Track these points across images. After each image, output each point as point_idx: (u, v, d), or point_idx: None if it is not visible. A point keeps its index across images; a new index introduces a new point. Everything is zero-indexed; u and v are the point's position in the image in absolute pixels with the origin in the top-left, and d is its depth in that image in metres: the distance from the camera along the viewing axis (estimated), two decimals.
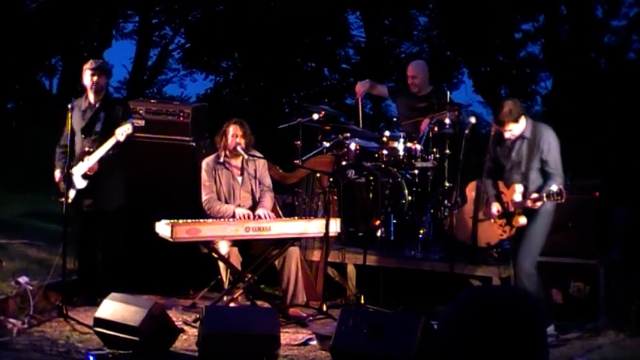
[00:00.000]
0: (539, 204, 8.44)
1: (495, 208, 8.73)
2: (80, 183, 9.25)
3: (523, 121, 8.55)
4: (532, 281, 8.55)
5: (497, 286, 9.13)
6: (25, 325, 8.68)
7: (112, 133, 9.08)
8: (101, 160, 9.20)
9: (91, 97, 9.44)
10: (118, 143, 9.09)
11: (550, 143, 8.55)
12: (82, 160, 9.25)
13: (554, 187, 8.30)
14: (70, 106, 9.21)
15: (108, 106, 9.44)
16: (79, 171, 9.25)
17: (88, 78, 9.42)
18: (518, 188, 8.55)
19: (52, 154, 9.62)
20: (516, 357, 2.93)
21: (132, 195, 9.62)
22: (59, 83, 20.20)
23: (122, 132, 9.03)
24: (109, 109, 9.40)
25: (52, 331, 8.70)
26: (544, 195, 8.36)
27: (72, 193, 9.24)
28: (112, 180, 9.39)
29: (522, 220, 8.56)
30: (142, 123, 9.91)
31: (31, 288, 9.13)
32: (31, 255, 10.23)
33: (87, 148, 9.28)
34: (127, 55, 20.68)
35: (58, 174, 9.37)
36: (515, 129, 8.53)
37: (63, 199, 9.14)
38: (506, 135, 8.58)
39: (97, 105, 9.41)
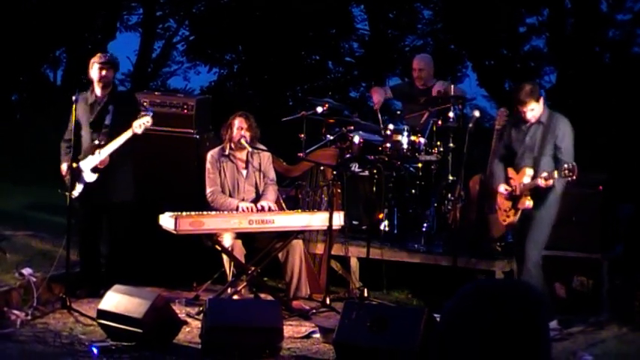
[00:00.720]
0: (550, 182, 8.38)
1: (503, 187, 8.69)
2: (89, 176, 9.24)
3: (542, 103, 8.55)
4: (538, 271, 8.54)
5: (500, 279, 9.13)
6: (29, 317, 8.68)
7: (128, 126, 9.06)
8: (112, 154, 9.19)
9: (98, 90, 9.42)
10: (134, 136, 9.08)
11: (565, 131, 8.55)
12: (92, 154, 9.23)
13: (566, 165, 8.22)
14: (74, 98, 9.19)
15: (116, 100, 9.43)
16: (88, 164, 9.24)
17: (96, 72, 9.40)
18: (528, 172, 8.52)
19: (56, 147, 9.61)
20: (519, 350, 2.93)
21: (135, 187, 9.62)
22: (63, 75, 20.20)
23: (140, 124, 9.02)
24: (118, 103, 9.39)
25: (56, 322, 8.71)
26: (555, 172, 8.30)
27: (79, 187, 9.24)
28: (122, 173, 9.38)
29: (528, 202, 8.51)
30: (151, 110, 9.90)
31: (34, 280, 9.13)
32: (34, 247, 10.24)
33: (97, 142, 9.25)
34: (131, 47, 20.67)
35: (64, 168, 9.35)
36: (536, 109, 8.50)
37: (70, 193, 9.15)
38: (528, 115, 8.52)
39: (104, 98, 9.40)
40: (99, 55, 9.55)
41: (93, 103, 9.42)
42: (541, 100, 8.54)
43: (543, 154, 8.54)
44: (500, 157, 8.87)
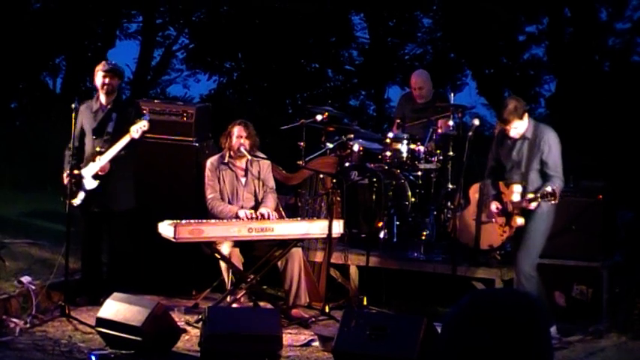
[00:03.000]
0: (534, 204, 8.44)
1: (494, 205, 8.73)
2: (90, 184, 9.24)
3: (526, 119, 8.56)
4: (531, 283, 8.55)
5: (500, 288, 9.11)
6: (28, 325, 8.68)
7: (126, 132, 9.07)
8: (112, 161, 9.18)
9: (103, 98, 9.43)
10: (132, 141, 9.08)
11: (550, 145, 8.55)
12: (93, 161, 9.23)
13: (548, 188, 8.30)
14: (73, 106, 9.20)
15: (120, 107, 9.43)
16: (89, 172, 9.23)
17: (99, 79, 9.43)
18: (517, 188, 8.54)
19: (55, 154, 9.61)
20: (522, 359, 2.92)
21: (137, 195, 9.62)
22: (63, 83, 20.21)
23: (137, 129, 9.02)
24: (121, 110, 9.39)
25: (55, 330, 8.70)
26: (538, 195, 8.36)
27: (81, 195, 9.23)
28: (123, 181, 9.37)
29: (520, 220, 8.55)
30: (148, 115, 9.89)
31: (33, 287, 9.12)
32: (34, 254, 10.22)
33: (98, 149, 9.26)
34: (131, 55, 20.69)
35: (66, 176, 9.34)
36: (520, 126, 8.53)
37: (72, 200, 9.16)
38: (511, 133, 8.57)
39: (108, 106, 9.41)
40: (103, 62, 9.60)
41: (97, 110, 9.43)
42: (525, 117, 8.54)
43: (531, 169, 8.56)
44: (489, 171, 8.89)
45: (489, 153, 9.02)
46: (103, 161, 9.18)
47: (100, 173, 9.20)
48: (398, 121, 11.06)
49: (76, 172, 9.20)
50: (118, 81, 9.51)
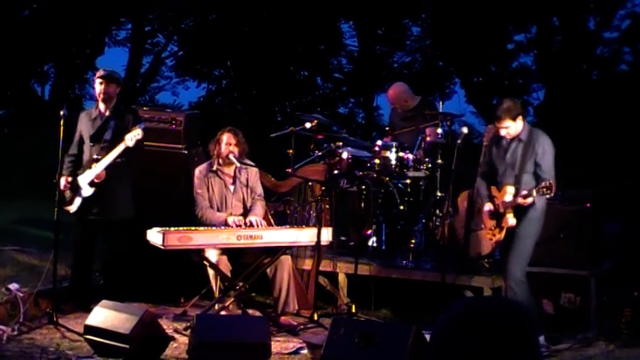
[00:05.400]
0: (529, 200, 8.41)
1: (487, 207, 8.72)
2: (87, 191, 9.22)
3: (520, 122, 8.56)
4: (521, 289, 8.54)
5: (488, 296, 9.12)
6: (15, 332, 8.65)
7: (121, 139, 9.06)
8: (109, 168, 9.16)
9: (101, 105, 9.42)
10: (127, 149, 9.06)
11: (545, 148, 8.55)
12: (90, 168, 9.22)
13: (543, 183, 8.28)
14: (62, 113, 9.18)
15: (118, 115, 9.41)
16: (85, 179, 9.22)
17: (97, 86, 9.44)
18: (510, 190, 8.53)
19: (44, 161, 9.60)
20: None
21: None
22: (51, 90, 20.19)
23: (132, 137, 9.00)
24: (120, 118, 9.37)
25: (42, 338, 8.67)
26: (534, 190, 8.34)
27: (77, 201, 9.22)
28: (120, 189, 9.35)
29: (511, 220, 8.53)
30: (143, 124, 9.88)
31: (21, 295, 9.10)
32: (21, 261, 10.21)
33: (95, 156, 9.24)
34: (120, 62, 20.68)
35: (63, 181, 9.31)
36: (511, 127, 8.52)
37: (68, 207, 9.15)
38: (502, 132, 8.56)
39: (107, 113, 9.40)
40: (100, 69, 9.63)
41: (95, 117, 9.42)
42: (519, 120, 8.53)
43: (524, 172, 8.55)
44: (482, 174, 8.89)
45: (481, 158, 9.03)
46: (98, 169, 9.16)
47: (95, 181, 9.19)
48: (387, 129, 11.12)
49: (70, 178, 9.20)
50: (114, 88, 9.46)
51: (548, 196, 8.32)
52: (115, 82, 9.49)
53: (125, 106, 9.65)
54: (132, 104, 10.79)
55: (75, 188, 9.20)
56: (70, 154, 9.40)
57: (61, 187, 9.24)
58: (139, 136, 9.02)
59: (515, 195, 8.47)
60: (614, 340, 8.78)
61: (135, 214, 9.49)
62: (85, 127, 9.40)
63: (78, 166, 9.32)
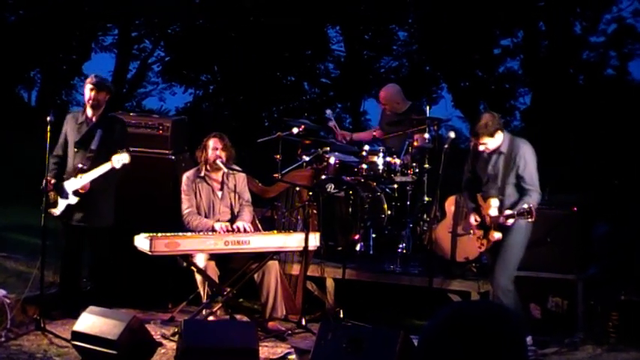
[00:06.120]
0: (510, 221, 8.42)
1: (473, 218, 8.74)
2: (71, 199, 9.21)
3: (500, 136, 8.55)
4: (508, 297, 8.54)
5: (476, 300, 9.14)
6: (3, 339, 8.62)
7: (108, 157, 9.01)
8: (93, 182, 9.16)
9: (89, 111, 9.40)
10: (112, 170, 9.05)
11: (526, 160, 8.53)
12: (75, 177, 9.19)
13: (525, 205, 8.27)
14: (49, 119, 9.16)
15: (105, 124, 9.38)
16: (71, 186, 9.21)
17: (87, 92, 9.41)
18: (494, 203, 8.54)
19: (30, 167, 9.57)
20: None
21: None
22: (38, 96, 20.17)
23: (119, 160, 8.96)
24: (107, 127, 9.34)
25: (30, 344, 8.65)
26: (515, 213, 8.36)
27: (62, 205, 9.20)
28: (104, 199, 9.33)
29: (497, 235, 8.54)
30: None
31: (8, 301, 9.07)
32: (9, 268, 10.18)
33: (80, 165, 9.21)
34: (107, 68, 20.70)
35: (48, 183, 9.30)
36: (489, 143, 8.53)
37: (52, 210, 9.12)
38: (480, 148, 8.58)
39: (94, 120, 9.38)
40: (92, 75, 9.55)
41: (82, 122, 9.40)
42: (497, 134, 8.51)
43: (507, 183, 8.55)
44: (466, 183, 8.90)
45: (465, 165, 9.04)
46: (84, 181, 9.15)
47: (80, 191, 9.18)
48: (374, 133, 11.13)
49: (53, 181, 9.18)
50: (104, 95, 9.43)
51: (529, 220, 8.31)
52: (106, 90, 9.47)
53: (113, 115, 9.61)
54: (119, 110, 10.75)
55: (60, 191, 9.17)
56: (55, 156, 9.38)
57: (45, 187, 9.24)
58: (126, 161, 9.00)
59: (500, 209, 8.48)
60: (601, 343, 8.81)
61: (121, 220, 9.49)
62: (70, 130, 9.37)
63: (62, 169, 9.28)
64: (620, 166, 14.37)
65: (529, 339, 8.48)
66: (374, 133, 11.21)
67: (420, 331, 3.04)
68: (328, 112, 11.29)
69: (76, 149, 9.32)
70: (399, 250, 10.07)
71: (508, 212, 8.41)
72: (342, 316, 9.41)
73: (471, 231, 8.87)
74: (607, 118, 16.66)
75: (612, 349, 8.71)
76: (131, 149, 9.53)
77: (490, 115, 8.65)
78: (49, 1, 19.06)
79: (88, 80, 9.48)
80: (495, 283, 8.61)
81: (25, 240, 11.02)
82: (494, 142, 8.53)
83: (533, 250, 8.86)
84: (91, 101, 9.35)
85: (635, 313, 8.93)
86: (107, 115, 9.50)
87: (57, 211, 9.23)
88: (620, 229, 10.67)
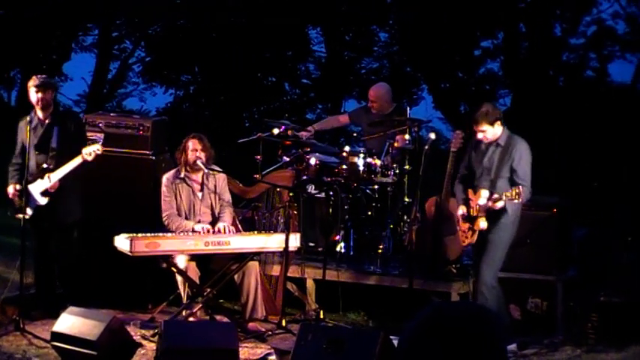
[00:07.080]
0: (499, 204, 8.45)
1: (461, 211, 8.77)
2: (40, 200, 9.17)
3: (499, 127, 8.61)
4: (492, 294, 8.57)
5: (457, 301, 9.16)
6: None
7: (76, 147, 8.99)
8: (62, 179, 9.12)
9: (40, 113, 9.34)
10: (84, 162, 9.02)
11: (522, 154, 8.60)
12: (42, 178, 9.15)
13: (513, 188, 8.33)
14: (28, 118, 9.12)
15: (59, 120, 9.34)
16: (37, 188, 9.16)
17: (33, 95, 9.31)
18: (484, 193, 8.56)
19: (6, 168, 9.51)
20: None
21: (91, 208, 9.57)
22: (18, 96, 20.09)
23: (90, 152, 8.94)
24: (62, 123, 9.31)
25: (9, 345, 8.62)
26: (503, 195, 8.38)
27: (29, 210, 9.15)
28: (70, 196, 9.31)
29: (483, 223, 8.56)
30: (101, 136, 9.84)
31: None
32: None
33: (45, 165, 9.17)
34: (87, 68, 20.64)
35: (11, 190, 9.26)
36: (488, 131, 8.58)
37: (21, 215, 9.07)
38: (479, 135, 8.61)
39: (47, 120, 9.33)
40: (34, 77, 9.41)
41: (36, 125, 9.33)
42: (497, 124, 8.60)
43: (500, 177, 8.60)
44: (461, 178, 8.93)
45: (448, 165, 9.06)
46: (53, 179, 9.11)
47: (50, 191, 9.14)
48: (346, 118, 11.24)
49: (18, 187, 9.14)
50: (51, 94, 9.38)
51: (516, 201, 8.35)
52: (52, 88, 9.41)
53: (64, 110, 9.59)
54: (99, 110, 10.73)
55: (25, 196, 9.11)
56: (15, 163, 9.35)
57: (10, 195, 9.20)
58: (99, 152, 8.98)
59: (489, 198, 8.51)
60: (580, 344, 8.83)
61: (101, 220, 9.48)
62: (25, 135, 9.25)
63: (23, 174, 9.20)
64: (601, 168, 14.42)
65: (513, 346, 8.51)
66: (340, 118, 11.35)
67: (401, 332, 3.05)
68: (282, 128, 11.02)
69: (37, 152, 9.25)
70: (380, 251, 10.07)
71: (496, 195, 8.43)
72: (322, 316, 9.41)
73: (458, 226, 8.88)
74: (587, 120, 16.72)
75: (591, 350, 8.73)
76: (111, 150, 9.52)
77: (491, 104, 8.75)
78: (29, 1, 19.00)
79: (31, 83, 9.33)
80: (481, 279, 8.63)
81: (4, 241, 10.97)
82: (492, 131, 8.58)
83: (514, 251, 8.89)
84: (40, 102, 9.29)
85: (614, 315, 8.96)
86: (58, 111, 9.47)
87: (27, 215, 9.16)
88: (600, 231, 10.72)
